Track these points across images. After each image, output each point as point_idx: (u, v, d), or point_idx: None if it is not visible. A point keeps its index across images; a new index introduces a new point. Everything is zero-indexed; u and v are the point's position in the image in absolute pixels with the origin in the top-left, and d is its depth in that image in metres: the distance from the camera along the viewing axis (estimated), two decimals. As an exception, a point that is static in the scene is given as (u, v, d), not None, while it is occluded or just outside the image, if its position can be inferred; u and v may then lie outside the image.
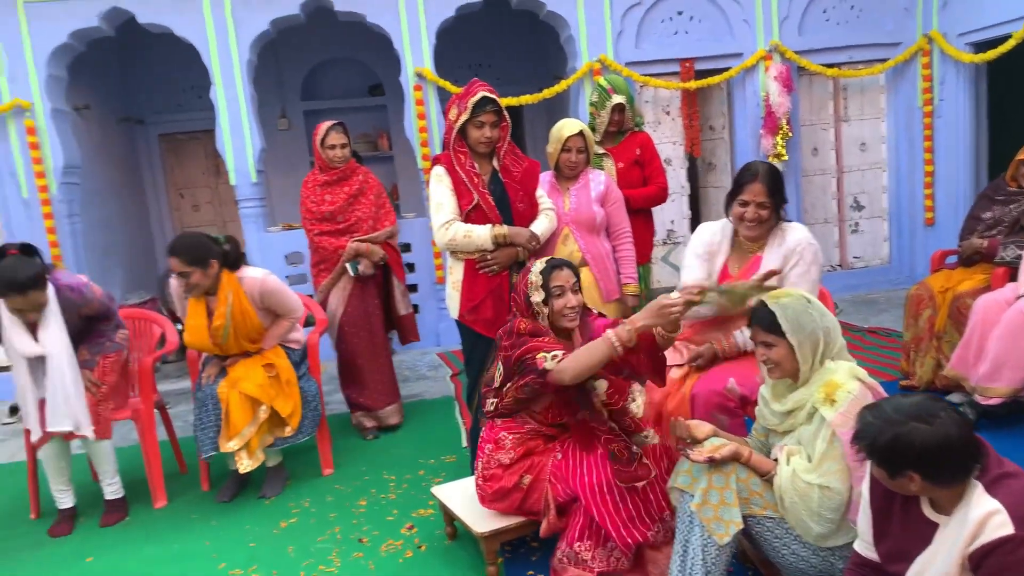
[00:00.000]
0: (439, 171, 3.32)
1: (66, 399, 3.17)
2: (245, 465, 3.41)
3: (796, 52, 6.25)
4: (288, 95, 8.28)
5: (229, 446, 3.38)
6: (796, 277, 2.75)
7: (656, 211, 6.09)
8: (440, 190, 3.28)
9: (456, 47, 7.03)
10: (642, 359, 2.49)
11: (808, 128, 6.67)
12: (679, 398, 2.80)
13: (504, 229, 3.23)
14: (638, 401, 2.63)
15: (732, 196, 2.85)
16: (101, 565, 3.09)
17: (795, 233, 2.82)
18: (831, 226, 6.87)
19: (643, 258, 3.89)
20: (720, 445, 2.21)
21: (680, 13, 6.20)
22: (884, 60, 6.47)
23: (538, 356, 2.44)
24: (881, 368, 4.46)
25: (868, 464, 1.79)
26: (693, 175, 6.77)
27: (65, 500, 3.43)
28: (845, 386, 2.10)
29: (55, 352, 3.14)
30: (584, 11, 6.00)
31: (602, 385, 2.53)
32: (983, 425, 3.45)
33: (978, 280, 3.84)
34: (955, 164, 6.37)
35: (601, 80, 4.02)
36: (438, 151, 5.85)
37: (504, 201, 3.27)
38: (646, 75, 6.10)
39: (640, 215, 3.93)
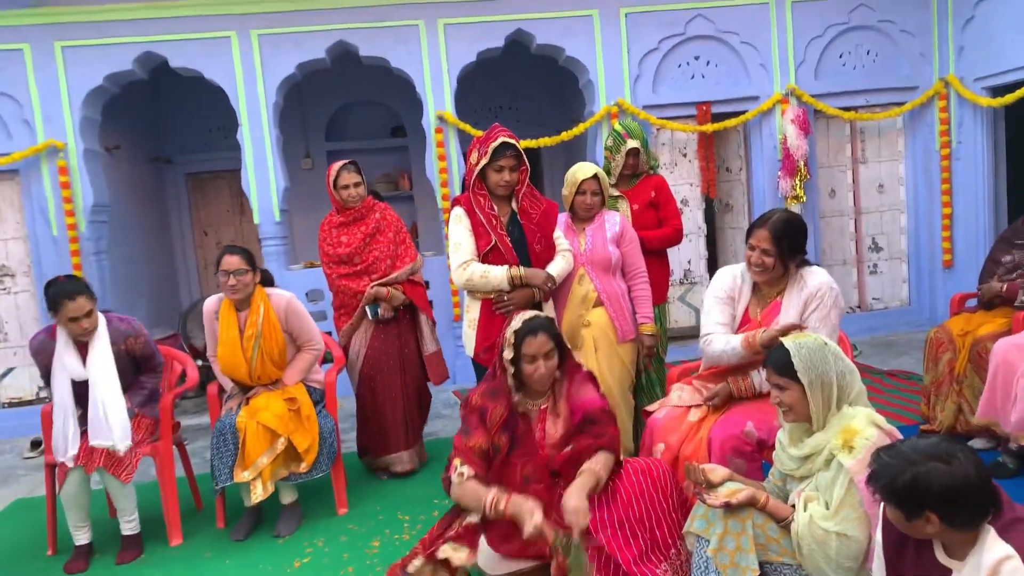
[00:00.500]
0: (458, 212, 3.38)
1: (107, 416, 3.31)
2: (258, 494, 3.42)
3: (813, 96, 6.31)
4: (312, 135, 8.45)
5: (243, 475, 3.41)
6: (816, 321, 2.75)
7: (673, 251, 6.13)
8: (459, 231, 3.35)
9: (477, 90, 7.18)
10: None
11: (826, 170, 6.69)
12: (696, 441, 2.79)
13: (520, 270, 3.27)
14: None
15: (746, 237, 2.88)
16: (117, 602, 3.09)
17: (815, 277, 2.82)
18: (849, 267, 6.85)
19: (659, 298, 3.91)
20: (736, 490, 2.20)
21: (697, 58, 6.29)
22: (901, 104, 6.51)
23: (455, 460, 2.49)
24: (901, 412, 4.41)
25: (882, 508, 1.78)
26: (710, 216, 6.80)
27: (82, 537, 3.46)
28: (863, 432, 2.09)
29: (101, 373, 3.34)
30: (603, 56, 6.11)
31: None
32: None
33: (998, 324, 3.81)
34: (973, 206, 6.36)
35: (616, 125, 4.09)
36: (457, 191, 5.95)
37: (522, 243, 3.32)
38: (663, 118, 6.18)
39: (655, 256, 3.95)
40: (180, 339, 6.46)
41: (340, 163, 4.05)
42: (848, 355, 2.47)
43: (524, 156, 3.33)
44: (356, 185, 4.02)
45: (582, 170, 3.55)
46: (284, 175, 5.99)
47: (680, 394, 3.01)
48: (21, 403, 5.92)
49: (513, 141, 3.27)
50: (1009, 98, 5.74)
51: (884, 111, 6.49)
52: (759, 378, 2.84)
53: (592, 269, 3.51)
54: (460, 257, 3.31)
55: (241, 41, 5.77)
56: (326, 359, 4.08)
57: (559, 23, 6.06)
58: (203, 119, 8.10)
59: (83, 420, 3.37)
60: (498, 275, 3.26)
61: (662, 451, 2.82)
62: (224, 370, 3.70)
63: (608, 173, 4.01)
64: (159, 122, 8.16)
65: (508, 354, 2.51)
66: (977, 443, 3.76)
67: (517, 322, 2.54)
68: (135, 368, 3.58)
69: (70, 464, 3.30)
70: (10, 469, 5.02)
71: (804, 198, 6.27)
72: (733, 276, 2.98)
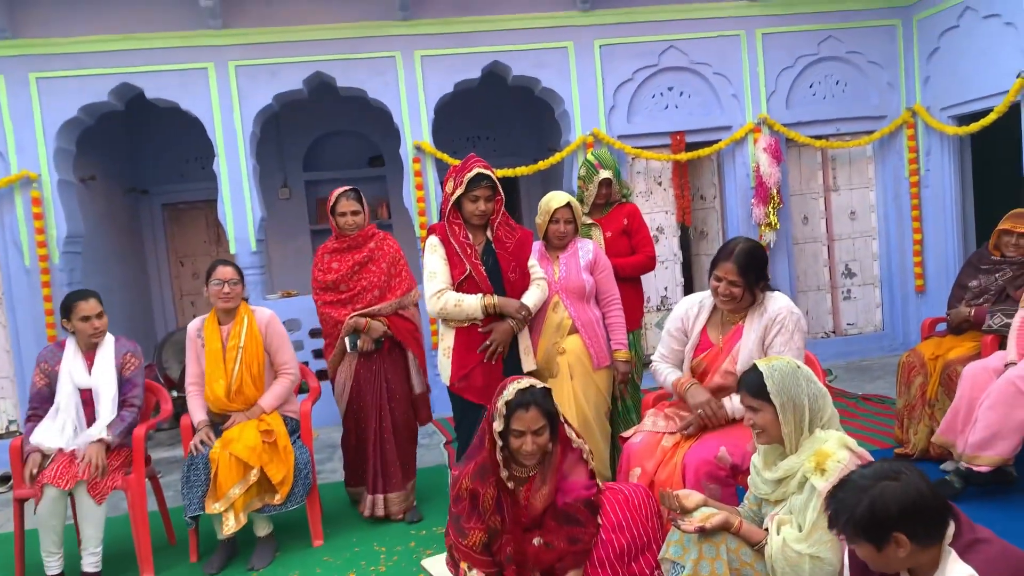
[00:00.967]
0: (433, 241, 3.40)
1: (105, 414, 3.52)
2: (229, 526, 3.39)
3: (784, 125, 6.44)
4: (290, 165, 8.47)
5: (215, 507, 3.38)
6: (780, 346, 2.79)
7: (649, 278, 6.17)
8: (433, 259, 3.37)
9: (455, 120, 7.24)
10: None
11: (798, 197, 6.80)
12: (670, 467, 2.79)
13: (494, 299, 3.29)
14: None
15: (711, 268, 2.91)
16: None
17: (775, 303, 2.87)
18: (824, 293, 6.94)
19: (633, 324, 3.94)
20: (710, 514, 2.21)
21: (670, 89, 6.40)
22: (870, 132, 6.64)
23: (461, 564, 2.45)
24: (875, 436, 4.45)
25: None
26: (685, 243, 6.87)
27: (53, 565, 3.39)
28: (835, 455, 2.11)
29: (104, 381, 3.57)
30: (578, 87, 6.20)
31: None
32: (970, 494, 3.42)
33: (968, 347, 3.87)
34: (943, 232, 6.48)
35: (589, 155, 4.15)
36: (435, 220, 5.96)
37: (496, 271, 3.34)
38: (638, 147, 6.26)
39: (629, 283, 3.99)
40: (155, 370, 6.38)
41: (341, 189, 3.93)
42: (820, 378, 2.50)
43: (499, 186, 3.37)
44: (354, 213, 3.88)
45: (555, 199, 3.59)
46: (261, 205, 5.99)
47: (655, 419, 3.02)
48: (-10, 437, 5.80)
49: (488, 172, 3.31)
50: (974, 127, 5.89)
51: (854, 139, 6.63)
52: (731, 405, 2.86)
53: (566, 297, 3.53)
54: (434, 286, 3.33)
55: (218, 72, 5.79)
56: (301, 389, 4.06)
57: (535, 55, 6.14)
58: (179, 150, 8.08)
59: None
60: (472, 304, 3.27)
61: (638, 475, 2.83)
62: (205, 385, 3.68)
63: (581, 202, 4.06)
64: (135, 153, 8.14)
65: (498, 425, 2.38)
66: (949, 466, 3.79)
67: (510, 392, 2.41)
68: (121, 394, 3.62)
69: (36, 443, 3.39)
70: (-23, 505, 4.91)
71: (778, 225, 6.36)
72: (691, 304, 3.05)
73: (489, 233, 3.42)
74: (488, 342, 3.29)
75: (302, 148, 8.46)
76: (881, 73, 6.61)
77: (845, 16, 6.49)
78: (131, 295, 7.61)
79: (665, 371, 3.11)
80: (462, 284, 3.32)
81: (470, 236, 3.38)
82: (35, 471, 3.37)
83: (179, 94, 5.77)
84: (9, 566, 3.62)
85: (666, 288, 6.56)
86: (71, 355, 3.59)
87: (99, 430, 3.46)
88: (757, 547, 2.16)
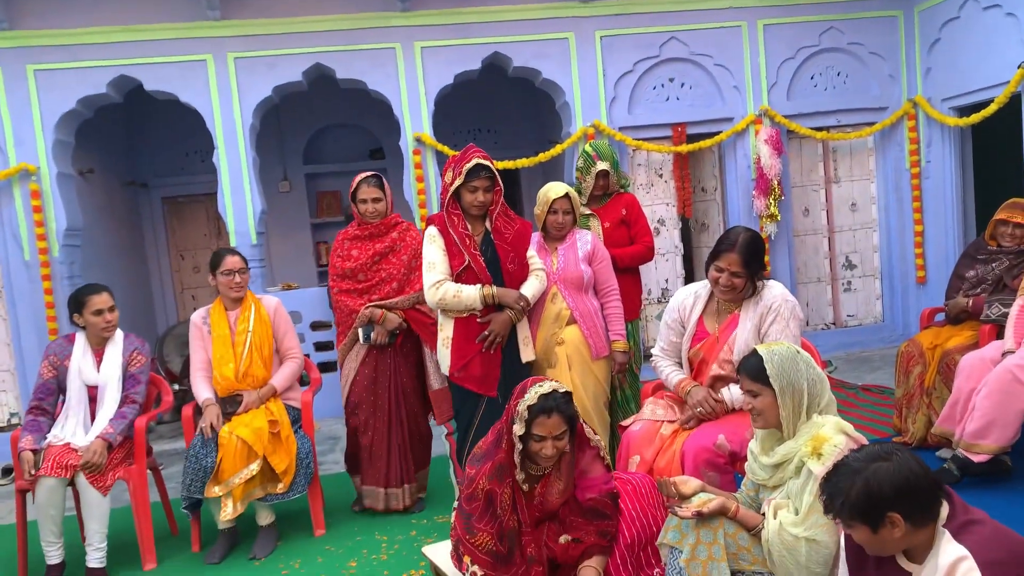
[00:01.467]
0: (432, 232, 3.40)
1: (107, 411, 3.56)
2: (227, 512, 3.41)
3: (785, 116, 6.42)
4: (290, 158, 8.46)
5: (215, 491, 3.40)
6: (776, 334, 2.79)
7: (650, 270, 6.17)
8: (432, 250, 3.37)
9: (455, 112, 7.23)
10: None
11: (799, 189, 6.79)
12: (669, 455, 2.80)
13: (493, 289, 3.29)
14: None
15: (711, 259, 2.90)
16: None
17: (771, 290, 2.87)
18: (824, 285, 6.94)
19: (631, 315, 3.94)
20: (707, 500, 2.22)
21: (671, 80, 6.39)
22: (872, 123, 6.64)
23: (464, 557, 2.44)
24: (874, 425, 4.46)
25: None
26: (686, 235, 6.87)
27: (54, 555, 3.41)
28: (832, 440, 2.12)
29: (112, 377, 3.58)
30: (579, 78, 6.19)
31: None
32: (967, 482, 3.43)
33: (966, 337, 3.87)
34: (943, 223, 6.47)
35: (587, 147, 4.14)
36: (435, 213, 5.96)
37: (495, 262, 3.34)
38: (639, 139, 6.26)
39: (628, 273, 3.99)
40: (157, 363, 6.40)
41: (363, 175, 3.82)
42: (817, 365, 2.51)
43: (498, 176, 3.37)
44: (375, 200, 3.77)
45: (553, 190, 3.59)
46: (261, 198, 5.99)
47: (654, 408, 3.03)
48: (-9, 430, 5.82)
49: (488, 162, 3.30)
50: (974, 118, 5.88)
51: (855, 131, 6.62)
52: (730, 395, 2.87)
53: (564, 287, 3.54)
54: (433, 276, 3.33)
55: (217, 64, 5.78)
56: (302, 381, 4.07)
57: (535, 46, 6.13)
58: (179, 142, 8.07)
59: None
60: (471, 294, 3.28)
61: (637, 463, 2.84)
62: (214, 369, 3.70)
63: (580, 193, 4.06)
64: (134, 146, 8.13)
65: (519, 429, 2.37)
66: (945, 453, 3.81)
67: (532, 396, 2.38)
68: (124, 390, 3.63)
69: (43, 472, 3.31)
70: (-21, 497, 4.93)
71: (779, 217, 6.35)
72: (687, 295, 3.06)
73: (488, 224, 3.42)
74: (487, 332, 3.29)
75: (302, 141, 8.46)
76: (882, 64, 6.60)
77: (846, 7, 6.47)
78: (132, 289, 7.62)
79: (667, 370, 3.09)
80: (461, 275, 3.32)
81: (469, 227, 3.38)
82: (32, 471, 3.34)
83: (178, 86, 5.77)
84: (12, 558, 3.64)
85: (667, 280, 6.56)
86: (81, 351, 3.59)
87: (101, 428, 3.47)
88: (754, 532, 2.17)
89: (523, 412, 2.37)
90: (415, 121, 6.04)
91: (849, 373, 5.97)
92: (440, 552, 2.89)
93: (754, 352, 2.30)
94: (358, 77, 5.98)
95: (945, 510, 1.70)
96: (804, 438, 2.16)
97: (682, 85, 6.41)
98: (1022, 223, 3.85)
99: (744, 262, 2.79)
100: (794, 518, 2.10)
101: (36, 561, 3.48)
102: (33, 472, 3.34)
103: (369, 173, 3.85)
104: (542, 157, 6.31)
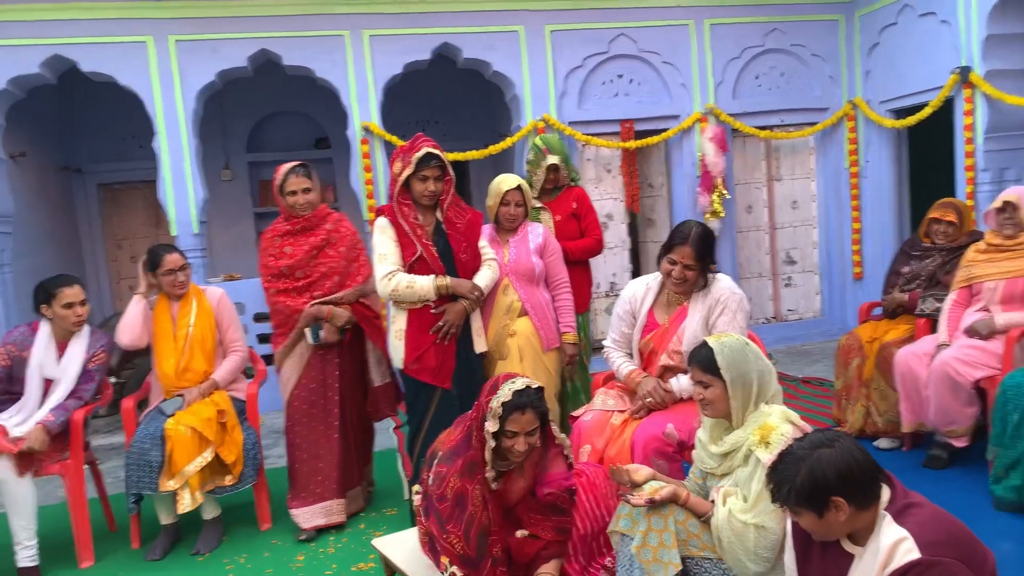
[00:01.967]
0: (383, 223, 3.36)
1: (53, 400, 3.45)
2: (185, 504, 3.32)
3: (730, 115, 6.55)
4: (233, 146, 8.25)
5: (170, 484, 3.30)
6: (724, 325, 2.86)
7: (599, 264, 6.21)
8: (383, 241, 3.33)
9: (404, 103, 7.16)
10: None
11: (742, 186, 6.94)
12: (619, 444, 2.84)
13: (447, 280, 3.27)
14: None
15: (664, 251, 2.95)
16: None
17: (719, 283, 2.94)
18: (765, 280, 7.11)
19: (582, 307, 3.97)
20: (659, 488, 2.25)
21: (620, 76, 6.45)
22: (813, 124, 6.82)
23: (442, 558, 2.41)
24: (815, 416, 4.59)
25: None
26: (634, 230, 6.96)
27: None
28: (779, 429, 2.17)
29: (70, 374, 3.47)
30: (529, 72, 6.20)
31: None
32: (908, 468, 3.57)
33: (902, 330, 4.02)
34: (880, 221, 6.71)
35: (537, 140, 4.16)
36: (384, 204, 5.90)
37: (447, 252, 3.32)
38: (588, 134, 6.30)
39: (578, 266, 4.02)
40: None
41: (288, 165, 3.56)
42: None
43: (449, 166, 3.35)
44: (306, 191, 3.52)
45: (506, 181, 3.59)
46: (203, 186, 5.84)
47: (605, 398, 3.06)
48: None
49: (438, 151, 3.28)
50: (910, 120, 6.10)
51: (797, 131, 6.79)
52: (678, 385, 2.91)
53: (516, 279, 3.54)
54: (385, 268, 3.29)
55: (158, 46, 5.60)
56: (247, 374, 3.98)
57: (485, 38, 6.12)
58: (116, 127, 7.79)
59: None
60: (424, 285, 3.25)
61: (588, 452, 2.87)
62: (155, 365, 3.61)
63: (530, 186, 4.07)
64: (68, 129, 7.82)
65: (492, 426, 2.35)
66: (883, 443, 3.96)
67: (507, 392, 2.35)
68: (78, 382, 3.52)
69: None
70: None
71: (723, 213, 6.48)
72: (637, 287, 3.09)
73: (439, 214, 3.39)
74: (441, 323, 3.27)
75: (246, 128, 8.26)
76: (824, 66, 6.78)
77: (790, 9, 6.63)
78: (65, 278, 7.33)
79: (618, 361, 3.12)
80: (413, 266, 3.29)
81: (420, 217, 3.35)
82: None
83: (116, 68, 5.57)
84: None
85: (615, 274, 6.63)
86: (43, 344, 3.46)
87: (42, 415, 3.36)
88: (704, 519, 2.21)
89: (496, 408, 2.34)
90: (363, 110, 5.97)
91: (790, 366, 6.13)
92: (390, 545, 2.87)
93: (704, 344, 2.34)
94: (305, 64, 5.87)
95: (887, 494, 1.76)
96: (752, 427, 2.22)
97: (631, 81, 6.48)
98: (954, 221, 4.00)
99: (697, 255, 2.85)
100: (743, 505, 2.15)
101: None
102: None
103: (295, 163, 3.59)
104: (492, 150, 6.31)
